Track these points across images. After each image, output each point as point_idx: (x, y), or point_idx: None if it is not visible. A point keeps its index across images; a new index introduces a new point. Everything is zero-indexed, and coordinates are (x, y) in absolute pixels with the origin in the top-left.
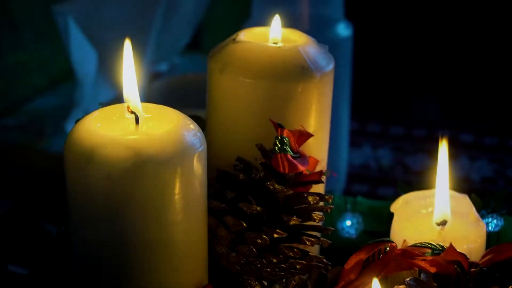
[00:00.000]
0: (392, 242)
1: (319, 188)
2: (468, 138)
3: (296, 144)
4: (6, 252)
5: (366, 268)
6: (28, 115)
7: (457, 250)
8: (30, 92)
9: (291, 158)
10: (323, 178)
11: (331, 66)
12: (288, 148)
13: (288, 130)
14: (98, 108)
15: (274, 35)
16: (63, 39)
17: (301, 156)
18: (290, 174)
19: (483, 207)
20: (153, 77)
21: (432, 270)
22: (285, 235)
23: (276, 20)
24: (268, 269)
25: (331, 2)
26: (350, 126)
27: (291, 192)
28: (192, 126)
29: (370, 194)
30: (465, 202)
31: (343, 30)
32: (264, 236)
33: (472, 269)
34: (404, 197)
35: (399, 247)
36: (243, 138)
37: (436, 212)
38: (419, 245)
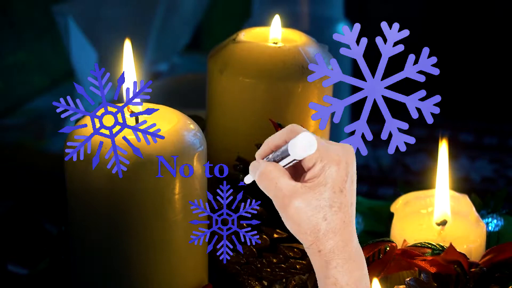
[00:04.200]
0: (392, 242)
1: None
2: (468, 138)
3: None
4: (6, 252)
5: None
6: (28, 115)
7: (457, 250)
8: (30, 92)
9: None
10: None
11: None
12: None
13: None
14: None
15: (274, 35)
16: (63, 39)
17: None
18: None
19: (483, 207)
20: (153, 77)
21: (432, 270)
22: (285, 235)
23: (276, 20)
24: (268, 269)
25: (331, 2)
26: None
27: None
28: (192, 126)
29: (370, 194)
30: (465, 202)
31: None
32: (264, 236)
33: (472, 269)
34: (404, 197)
35: (399, 247)
36: (243, 138)
37: (436, 212)
38: (419, 245)
